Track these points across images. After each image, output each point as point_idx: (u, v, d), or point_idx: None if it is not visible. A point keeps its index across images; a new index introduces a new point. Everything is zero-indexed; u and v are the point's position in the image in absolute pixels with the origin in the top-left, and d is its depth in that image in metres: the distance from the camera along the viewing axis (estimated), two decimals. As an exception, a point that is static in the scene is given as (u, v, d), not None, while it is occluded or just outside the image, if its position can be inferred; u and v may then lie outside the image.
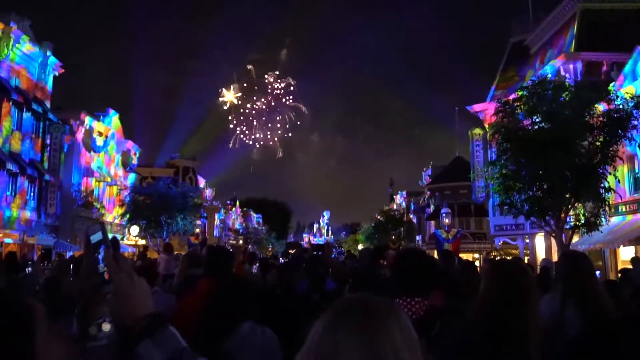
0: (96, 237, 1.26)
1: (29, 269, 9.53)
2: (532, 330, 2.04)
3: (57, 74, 29.09)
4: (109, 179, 35.55)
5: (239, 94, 53.92)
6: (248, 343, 2.68)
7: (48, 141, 28.17)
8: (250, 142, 57.42)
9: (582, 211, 14.96)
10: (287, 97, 56.69)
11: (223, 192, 68.24)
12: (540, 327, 2.12)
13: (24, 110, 25.68)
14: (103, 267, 1.23)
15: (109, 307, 1.21)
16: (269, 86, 56.78)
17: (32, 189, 27.02)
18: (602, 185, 14.28)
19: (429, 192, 45.13)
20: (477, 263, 19.35)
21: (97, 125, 33.91)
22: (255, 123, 57.54)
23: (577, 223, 14.98)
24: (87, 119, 32.12)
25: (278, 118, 59.03)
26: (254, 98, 56.86)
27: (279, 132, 59.81)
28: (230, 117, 55.10)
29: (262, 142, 59.28)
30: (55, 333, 1.12)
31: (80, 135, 31.43)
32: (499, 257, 22.97)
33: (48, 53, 27.52)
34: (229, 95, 53.47)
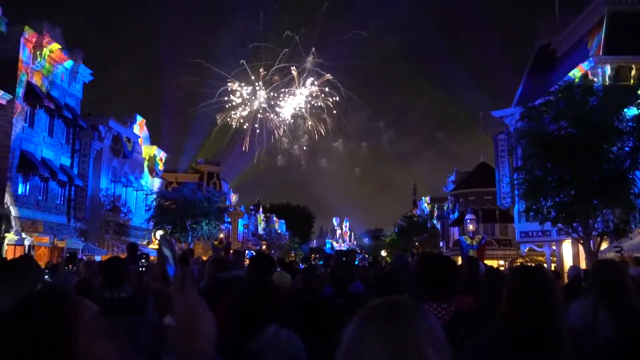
0: (166, 251, 1.15)
1: (47, 277, 9.63)
2: (560, 334, 2.05)
3: (87, 81, 29.85)
4: (136, 185, 36.21)
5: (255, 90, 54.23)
6: (273, 345, 2.71)
7: (77, 147, 28.90)
8: (278, 156, 57.78)
9: (610, 217, 14.64)
10: (322, 96, 56.84)
11: (244, 194, 68.78)
12: (571, 332, 2.12)
13: (55, 116, 26.42)
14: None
15: (170, 339, 1.12)
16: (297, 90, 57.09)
17: (63, 193, 27.73)
18: (631, 191, 13.98)
19: (453, 198, 44.72)
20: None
21: (125, 131, 34.62)
22: (278, 131, 58.01)
23: (606, 229, 14.68)
24: (115, 125, 32.82)
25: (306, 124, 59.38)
26: (277, 102, 57.30)
27: (304, 140, 60.14)
28: (244, 123, 55.50)
29: (284, 145, 59.67)
30: (106, 332, 1.08)
31: (108, 141, 32.14)
32: (520, 263, 22.59)
33: (79, 61, 28.27)
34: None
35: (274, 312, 2.89)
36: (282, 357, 2.69)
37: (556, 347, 2.01)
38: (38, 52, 24.79)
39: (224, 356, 1.24)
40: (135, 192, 36.26)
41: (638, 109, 14.26)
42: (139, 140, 37.07)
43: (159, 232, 32.25)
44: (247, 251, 38.13)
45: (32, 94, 24.19)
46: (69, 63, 27.63)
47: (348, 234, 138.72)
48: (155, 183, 39.53)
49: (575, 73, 21.99)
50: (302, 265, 16.26)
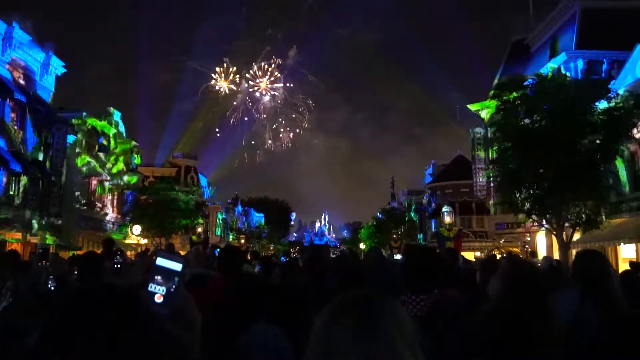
0: (170, 265, 1.15)
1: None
2: (550, 328, 2.05)
3: (59, 73, 29.16)
4: (111, 179, 35.62)
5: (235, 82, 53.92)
6: (259, 343, 2.67)
7: (50, 141, 28.21)
8: (257, 151, 57.61)
9: (582, 209, 14.99)
10: (299, 96, 56.88)
11: (223, 188, 68.49)
12: (559, 326, 2.12)
13: (27, 110, 25.74)
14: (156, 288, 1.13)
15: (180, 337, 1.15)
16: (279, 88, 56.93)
17: (35, 188, 27.06)
18: (602, 183, 14.32)
19: (430, 191, 45.16)
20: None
21: (99, 125, 33.97)
22: (258, 127, 57.83)
23: (578, 221, 15.02)
24: (89, 119, 32.18)
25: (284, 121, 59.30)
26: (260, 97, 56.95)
27: (286, 134, 60.08)
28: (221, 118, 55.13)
29: (266, 142, 59.45)
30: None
31: (82, 135, 31.49)
32: (499, 255, 22.93)
33: (50, 53, 27.59)
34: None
35: (260, 308, 2.87)
36: (269, 354, 2.67)
37: (546, 339, 2.02)
38: (8, 44, 24.11)
39: (212, 353, 1.24)
40: (110, 186, 35.67)
41: (609, 102, 14.59)
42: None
43: (136, 227, 31.81)
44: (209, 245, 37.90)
45: (2, 87, 23.53)
46: (40, 55, 26.94)
47: (327, 227, 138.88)
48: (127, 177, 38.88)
49: (549, 67, 22.36)
50: (283, 258, 16.19)
